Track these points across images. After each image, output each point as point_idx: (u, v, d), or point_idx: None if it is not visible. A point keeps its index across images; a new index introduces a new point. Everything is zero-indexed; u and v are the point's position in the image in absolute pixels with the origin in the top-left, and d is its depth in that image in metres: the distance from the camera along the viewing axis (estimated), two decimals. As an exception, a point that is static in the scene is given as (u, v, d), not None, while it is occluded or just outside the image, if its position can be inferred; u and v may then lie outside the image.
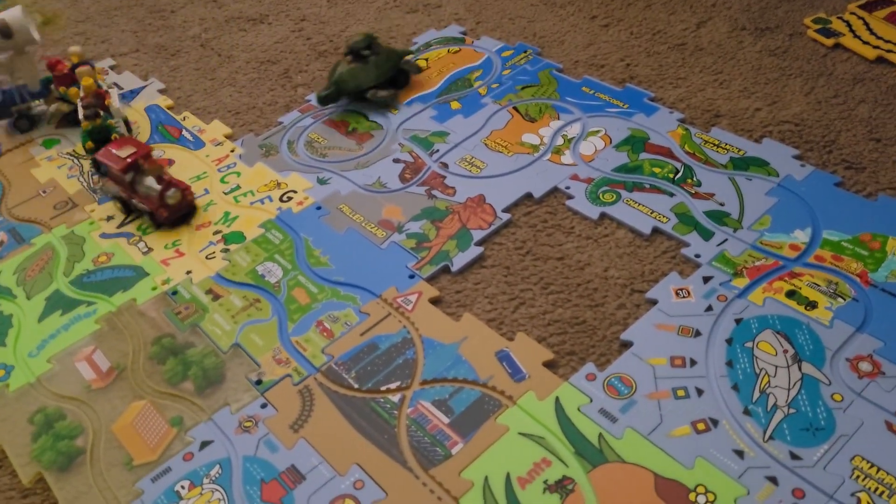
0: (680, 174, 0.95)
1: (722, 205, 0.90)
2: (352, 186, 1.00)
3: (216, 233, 0.96)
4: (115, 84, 1.27)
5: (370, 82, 1.11)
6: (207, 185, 1.04)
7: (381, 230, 0.93)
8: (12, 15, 1.09)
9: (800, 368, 0.72)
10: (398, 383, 0.76)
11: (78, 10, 1.54)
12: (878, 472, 0.63)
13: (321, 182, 1.02)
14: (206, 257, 0.92)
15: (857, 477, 0.63)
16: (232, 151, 1.09)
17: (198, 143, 1.12)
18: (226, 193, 1.02)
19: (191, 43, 1.39)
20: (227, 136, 1.13)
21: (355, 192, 1.00)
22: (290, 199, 0.99)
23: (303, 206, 0.98)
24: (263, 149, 1.09)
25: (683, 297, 0.80)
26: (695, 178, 0.94)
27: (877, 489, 0.62)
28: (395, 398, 0.75)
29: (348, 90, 1.12)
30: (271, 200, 1.00)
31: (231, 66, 1.31)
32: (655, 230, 0.88)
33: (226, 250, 0.93)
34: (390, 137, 1.08)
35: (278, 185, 1.02)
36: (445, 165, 1.02)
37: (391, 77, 1.14)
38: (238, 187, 1.02)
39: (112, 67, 1.32)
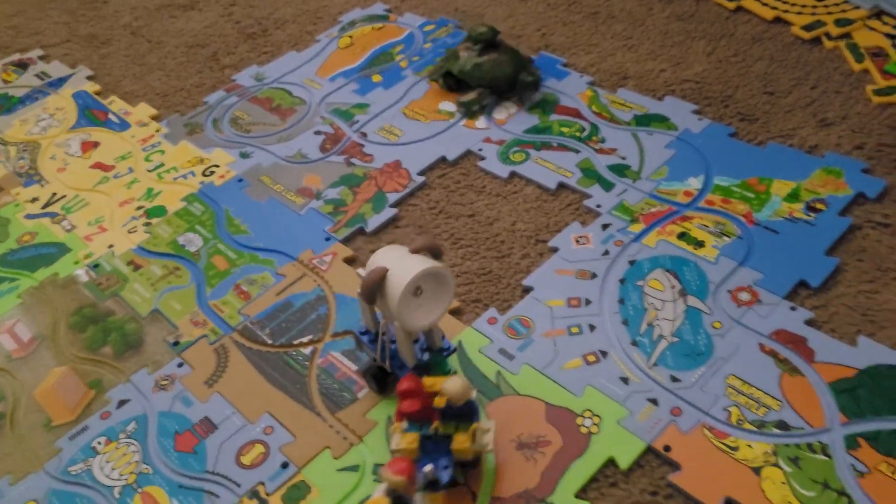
0: (586, 132, 0.99)
1: (623, 158, 0.94)
2: (273, 159, 1.03)
3: (139, 208, 0.98)
4: (43, 73, 1.29)
5: (507, 75, 1.04)
6: (132, 164, 1.06)
7: (300, 198, 0.96)
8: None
9: (685, 301, 0.76)
10: (310, 337, 0.79)
11: (11, 4, 1.55)
12: (749, 388, 0.68)
13: (243, 156, 1.05)
14: (129, 231, 0.95)
15: (730, 394, 0.68)
16: (157, 131, 1.11)
17: (123, 125, 1.14)
18: (149, 171, 1.04)
19: (122, 31, 1.41)
20: (154, 118, 1.15)
21: (277, 164, 1.02)
22: (212, 173, 1.02)
23: (225, 179, 1.01)
24: (188, 127, 1.12)
25: (583, 243, 0.84)
26: (600, 136, 0.98)
27: (746, 403, 0.67)
28: (307, 350, 0.78)
29: (476, 79, 1.04)
30: (194, 175, 1.02)
31: (160, 52, 1.33)
32: (561, 185, 0.92)
33: (147, 224, 0.96)
34: (313, 111, 1.11)
35: (201, 160, 1.04)
36: (364, 135, 1.05)
37: (513, 80, 1.05)
38: (162, 165, 1.05)
39: (41, 58, 1.34)
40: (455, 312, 0.80)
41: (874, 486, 0.60)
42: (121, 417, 0.74)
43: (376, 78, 1.15)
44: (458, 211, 0.92)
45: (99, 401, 0.76)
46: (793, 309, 0.74)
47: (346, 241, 0.90)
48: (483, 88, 1.04)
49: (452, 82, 1.08)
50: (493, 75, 1.04)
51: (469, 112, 1.04)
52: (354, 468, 0.67)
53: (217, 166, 1.03)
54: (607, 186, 0.90)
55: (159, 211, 0.97)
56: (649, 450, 0.65)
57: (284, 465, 0.68)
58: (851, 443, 0.63)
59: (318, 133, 1.07)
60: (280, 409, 0.73)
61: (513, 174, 0.95)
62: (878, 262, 0.77)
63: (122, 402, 0.75)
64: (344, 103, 1.11)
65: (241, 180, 1.00)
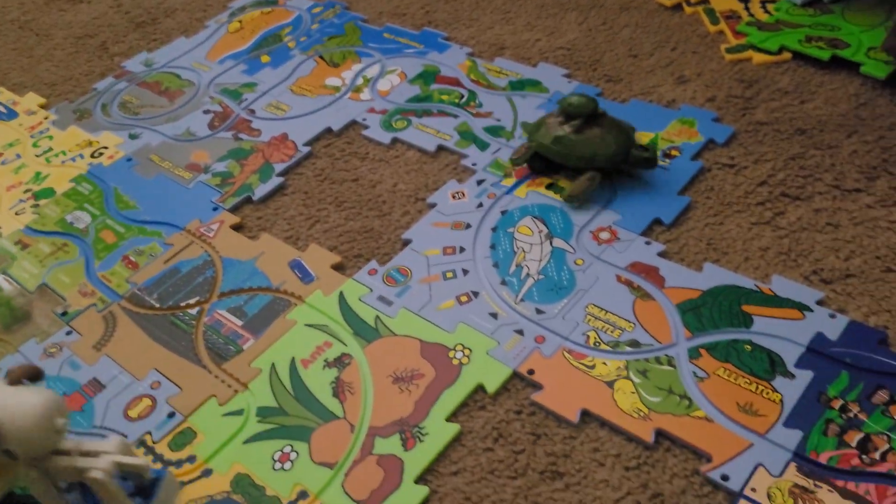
0: (465, 99, 1.04)
1: (498, 120, 0.99)
2: (162, 138, 1.05)
3: (27, 191, 0.99)
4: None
5: (609, 155, 0.84)
6: (20, 151, 1.06)
7: (188, 173, 0.99)
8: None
9: (551, 243, 0.82)
10: (198, 298, 0.82)
11: None
12: (606, 314, 0.74)
13: (132, 137, 1.06)
14: (16, 213, 0.95)
15: (589, 320, 0.73)
16: (46, 119, 1.12)
17: (11, 115, 1.14)
18: (38, 156, 1.05)
19: (9, 26, 1.40)
20: (42, 106, 1.15)
21: (165, 142, 1.04)
22: (101, 154, 1.03)
23: (113, 159, 1.02)
24: (77, 113, 1.12)
25: (459, 198, 0.89)
26: (477, 101, 1.03)
27: (603, 327, 0.73)
28: (194, 311, 0.80)
29: (575, 161, 0.86)
30: (83, 157, 1.03)
31: (49, 44, 1.32)
32: (440, 147, 0.97)
33: (35, 206, 0.96)
34: (202, 92, 1.13)
35: (90, 143, 1.05)
36: (253, 111, 1.08)
37: (623, 158, 0.86)
38: (50, 149, 1.05)
39: (-76, 54, 1.32)
40: (338, 268, 0.83)
41: (711, 387, 0.66)
42: (8, 385, 0.75)
43: (265, 59, 1.18)
44: (343, 176, 0.96)
45: (-14, 373, 0.78)
46: (647, 243, 0.80)
47: (234, 209, 0.93)
48: (595, 173, 0.85)
49: (541, 164, 0.90)
50: (595, 154, 0.84)
51: (578, 204, 0.85)
52: (239, 412, 0.70)
53: (106, 148, 1.04)
54: (483, 146, 0.96)
55: (47, 193, 0.98)
56: (515, 374, 0.71)
57: (171, 415, 0.71)
58: (694, 353, 0.69)
59: (206, 112, 1.09)
60: (167, 365, 0.75)
61: (395, 140, 1.00)
62: (723, 198, 0.84)
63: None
64: (233, 83, 1.14)
65: (129, 160, 1.02)
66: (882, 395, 0.64)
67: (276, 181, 0.95)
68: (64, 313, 0.82)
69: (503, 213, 0.86)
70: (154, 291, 0.83)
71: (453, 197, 0.89)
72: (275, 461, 0.66)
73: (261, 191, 0.94)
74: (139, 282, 0.84)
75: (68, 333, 0.80)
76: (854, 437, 0.61)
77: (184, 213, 0.92)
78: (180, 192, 0.96)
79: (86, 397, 0.73)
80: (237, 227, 0.90)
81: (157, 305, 0.81)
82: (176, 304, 0.81)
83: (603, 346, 0.71)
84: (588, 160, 0.85)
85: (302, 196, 0.94)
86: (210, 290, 0.82)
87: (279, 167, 0.97)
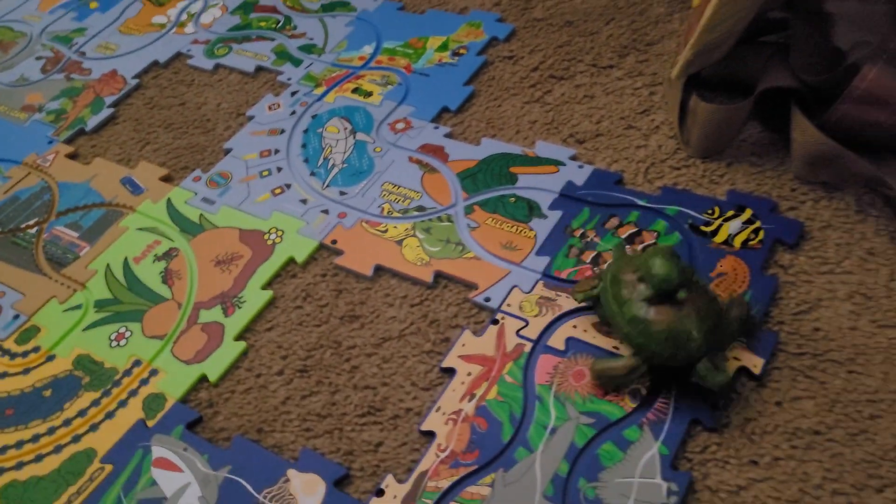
0: (281, 23, 1.13)
1: (311, 39, 1.09)
2: (-4, 86, 1.11)
3: None
4: None
5: (698, 345, 0.61)
6: None
7: (23, 113, 1.05)
8: None
9: (354, 137, 0.93)
10: (37, 219, 0.90)
11: None
12: (398, 188, 0.86)
13: (-35, 88, 1.11)
14: None
15: (384, 195, 0.85)
16: None
17: None
18: None
19: None
20: None
21: (0, 89, 1.10)
22: (-65, 106, 1.08)
23: (-52, 109, 1.07)
24: None
25: (275, 109, 0.99)
26: (292, 24, 1.12)
27: (395, 199, 0.84)
28: (34, 230, 0.88)
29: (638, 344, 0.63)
30: (-83, 110, 1.08)
31: None
32: (259, 68, 1.06)
33: None
34: (34, 41, 1.18)
35: (-77, 96, 1.10)
36: (83, 53, 1.14)
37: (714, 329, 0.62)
38: None
39: None
40: (166, 179, 0.92)
41: (480, 234, 0.79)
42: None
43: (93, 5, 1.23)
44: (170, 102, 1.04)
45: None
46: (436, 128, 0.92)
47: (68, 141, 1.00)
48: (639, 359, 0.63)
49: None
50: (665, 341, 0.61)
51: (611, 387, 0.65)
52: (78, 307, 0.79)
53: (-61, 100, 1.09)
54: (297, 63, 1.05)
55: None
56: (321, 246, 0.82)
57: (16, 317, 0.79)
58: (469, 210, 0.82)
59: (38, 58, 1.14)
60: (10, 277, 0.84)
61: (217, 66, 1.08)
62: (501, 84, 0.97)
63: None
64: (63, 30, 1.19)
65: (-36, 108, 1.07)
66: (613, 221, 0.78)
67: (107, 112, 1.03)
68: None
69: (313, 116, 0.96)
70: (-5, 219, 0.91)
71: (269, 108, 0.99)
72: (111, 341, 0.76)
73: (93, 122, 1.01)
74: (-20, 213, 0.92)
75: (-85, 263, 0.87)
76: (589, 256, 0.76)
77: (21, 148, 0.99)
78: (17, 130, 1.02)
79: (-64, 313, 0.81)
80: (72, 156, 0.98)
81: (0, 230, 0.89)
82: (17, 226, 0.89)
83: (395, 214, 0.83)
84: (654, 355, 0.62)
85: (133, 123, 1.02)
86: (48, 211, 0.90)
87: (110, 100, 1.04)
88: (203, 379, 0.72)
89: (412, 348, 0.72)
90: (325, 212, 0.85)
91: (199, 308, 0.77)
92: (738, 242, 0.74)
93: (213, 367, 0.72)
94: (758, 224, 0.75)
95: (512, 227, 0.80)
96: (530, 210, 0.81)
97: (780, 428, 0.61)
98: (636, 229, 0.77)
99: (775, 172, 0.80)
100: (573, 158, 0.85)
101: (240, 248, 0.82)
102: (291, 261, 0.81)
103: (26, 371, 0.74)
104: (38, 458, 0.67)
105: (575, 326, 0.70)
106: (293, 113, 0.97)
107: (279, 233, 0.83)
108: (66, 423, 0.69)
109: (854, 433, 0.60)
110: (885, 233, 0.73)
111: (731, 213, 0.76)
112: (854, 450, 0.59)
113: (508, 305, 0.73)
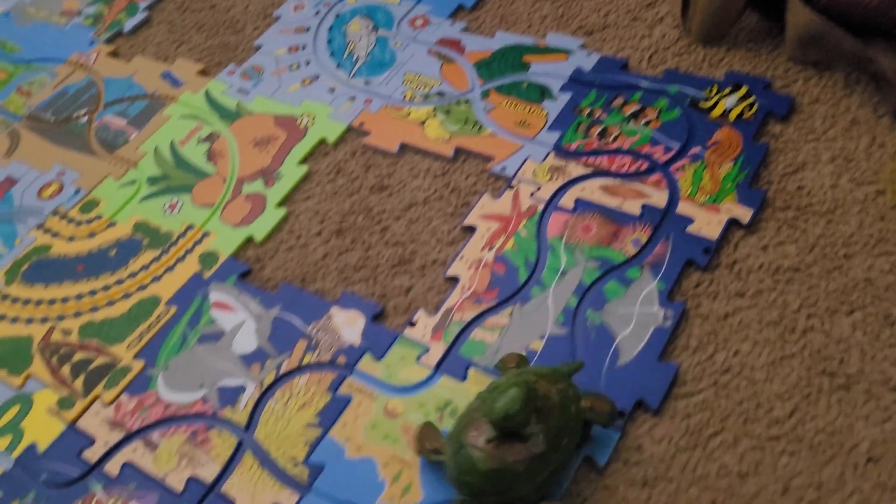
0: (303, -68, 1.18)
1: (332, -54, 1.15)
2: (35, -6, 1.17)
3: (-84, 49, 1.10)
4: None
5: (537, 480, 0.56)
6: None
7: (63, 18, 1.11)
8: None
9: (376, 33, 0.99)
10: (86, 109, 0.97)
11: None
12: (419, 77, 0.93)
13: (7, -4, 1.17)
14: (-90, 67, 1.07)
15: (406, 83, 0.92)
16: (-80, -10, 1.21)
17: None
18: (-80, 21, 1.15)
19: None
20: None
21: (38, -3, 1.17)
22: (-21, 13, 1.15)
23: (-9, 15, 1.14)
24: (-50, -18, 1.22)
25: (300, 10, 1.05)
26: (314, -67, 1.18)
27: (417, 86, 0.92)
28: (84, 120, 0.96)
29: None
30: (-37, 17, 1.15)
31: None
32: (284, -26, 1.12)
33: (-73, 59, 1.08)
34: (66, -47, 1.24)
35: (-33, 5, 1.16)
36: (115, -37, 1.20)
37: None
38: (-70, 14, 1.16)
39: None
40: (202, 73, 1.00)
41: (496, 114, 0.87)
42: (-67, 191, 0.91)
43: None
44: (200, 6, 1.10)
45: (-88, 187, 0.92)
46: (452, 24, 0.98)
47: (108, 41, 1.07)
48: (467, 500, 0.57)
49: None
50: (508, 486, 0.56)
51: None
52: (132, 182, 0.88)
53: (-18, 7, 1.15)
54: (320, -33, 1.11)
55: (-65, 48, 1.10)
56: (349, 129, 0.89)
57: (77, 192, 0.87)
58: (485, 94, 0.89)
59: (74, -31, 1.20)
60: (68, 159, 0.92)
61: (245, -28, 1.14)
62: (514, -17, 1.03)
63: (-70, 183, 0.92)
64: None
65: (7, 14, 1.14)
66: (619, 101, 0.85)
67: (141, 15, 1.09)
68: (-29, 135, 0.96)
69: (337, 16, 1.03)
70: (48, 110, 0.98)
71: (294, 9, 1.05)
72: (165, 210, 0.84)
73: (129, 24, 1.08)
74: (34, 105, 0.99)
75: (-22, 149, 0.95)
76: (596, 131, 0.83)
77: (64, 48, 1.06)
78: (59, 33, 1.09)
79: (3, 190, 0.89)
80: (113, 55, 1.05)
81: (53, 119, 0.96)
82: (68, 116, 0.97)
83: (416, 100, 0.90)
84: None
85: (167, 25, 1.08)
86: (96, 102, 0.98)
87: (143, 4, 1.11)
88: (249, 240, 0.80)
89: (436, 212, 0.80)
90: (352, 99, 0.92)
91: (242, 181, 0.85)
92: (733, 116, 0.81)
93: (259, 229, 0.80)
94: (752, 99, 0.82)
95: (525, 107, 0.87)
96: (542, 93, 0.88)
97: (763, 267, 0.70)
98: (640, 107, 0.84)
99: (770, 56, 0.87)
100: (582, 47, 0.92)
101: (275, 132, 0.90)
102: (323, 141, 0.88)
103: (91, 235, 0.82)
104: (110, 303, 0.76)
105: (583, 189, 0.78)
106: (317, 13, 1.04)
107: (311, 117, 0.91)
108: (132, 275, 0.78)
109: (829, 269, 0.69)
110: (869, 105, 0.80)
111: (727, 90, 0.83)
112: (829, 282, 0.68)
113: (523, 173, 0.80)
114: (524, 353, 0.66)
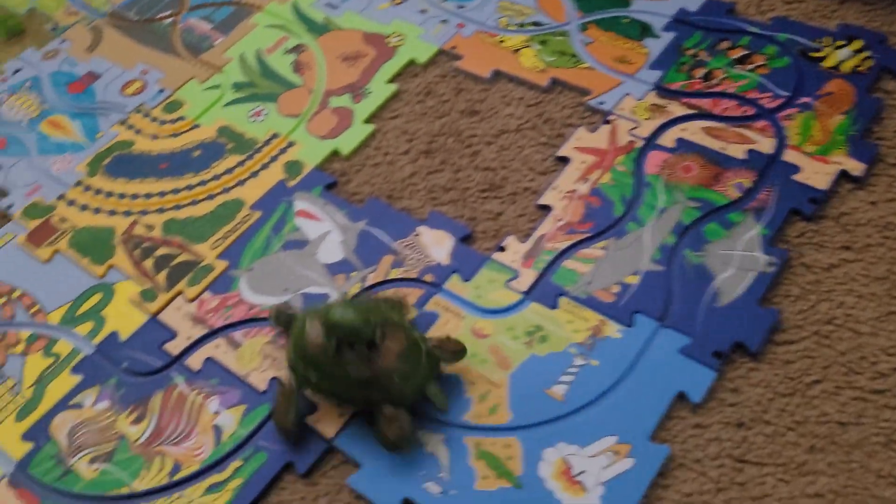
0: None
1: None
2: None
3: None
4: None
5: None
6: None
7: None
8: None
9: (471, -42, 0.96)
10: (171, 10, 0.95)
11: None
12: (514, 5, 0.90)
13: None
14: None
15: (501, 11, 0.89)
16: None
17: None
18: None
19: None
20: None
21: None
22: None
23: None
24: None
25: (392, -71, 1.02)
26: None
27: (512, 14, 0.89)
28: (168, 21, 0.94)
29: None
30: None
31: None
32: None
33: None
34: None
35: None
36: None
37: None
38: None
39: None
40: (290, -15, 0.98)
41: (595, 48, 0.84)
42: (18, 79, 0.89)
43: None
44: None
45: (-6, 74, 0.91)
46: (551, -46, 0.95)
47: (194, -53, 1.05)
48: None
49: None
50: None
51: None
52: (217, 86, 0.86)
53: None
54: None
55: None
56: (440, 52, 0.87)
57: (160, 91, 0.86)
58: (583, 27, 0.86)
59: None
60: (151, 58, 0.90)
61: None
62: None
63: (15, 71, 0.90)
64: None
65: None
66: (724, 44, 0.82)
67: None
68: (55, 28, 0.95)
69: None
70: (131, 9, 0.96)
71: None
72: (250, 116, 0.83)
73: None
74: (117, 2, 0.97)
75: (62, 42, 0.93)
76: (700, 72, 0.80)
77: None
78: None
79: (86, 84, 0.88)
80: (198, -39, 1.03)
81: (136, 18, 0.95)
82: (152, 17, 0.95)
83: (511, 27, 0.88)
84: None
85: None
86: (180, 5, 0.96)
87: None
88: (335, 153, 0.79)
89: (528, 140, 0.78)
90: (444, 21, 0.89)
91: (329, 95, 0.83)
92: (846, 68, 0.77)
93: (345, 143, 0.79)
94: (867, 53, 0.78)
95: (625, 43, 0.84)
96: (644, 30, 0.85)
97: (873, 222, 0.67)
98: (746, 52, 0.80)
99: (885, 11, 0.83)
100: (687, -13, 0.89)
101: (363, 48, 0.88)
102: (412, 62, 0.86)
103: (175, 135, 0.81)
104: (194, 203, 0.75)
105: (684, 129, 0.75)
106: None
107: (401, 37, 0.88)
108: (216, 177, 0.77)
109: (943, 230, 0.66)
110: None
111: (841, 42, 0.80)
112: (942, 243, 0.65)
113: (621, 109, 0.78)
114: (617, 286, 0.65)
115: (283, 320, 0.63)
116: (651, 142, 0.75)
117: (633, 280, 0.65)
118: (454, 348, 0.60)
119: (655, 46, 0.83)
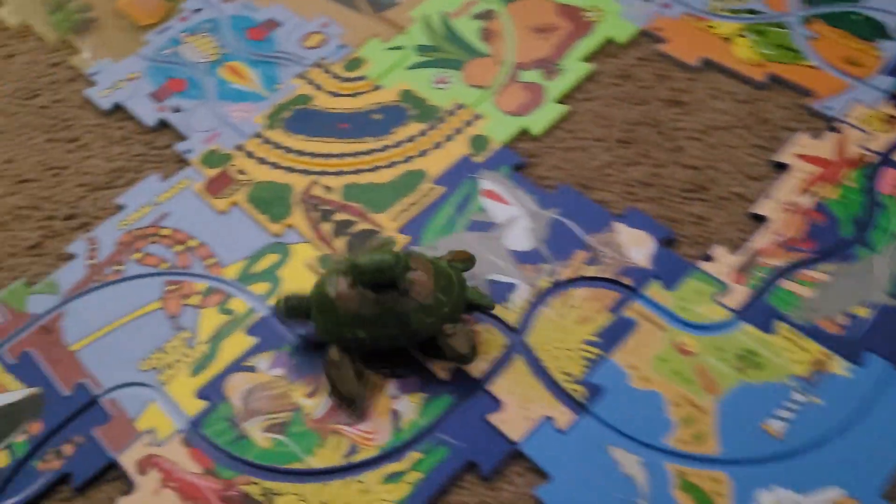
0: None
1: None
2: None
3: None
4: None
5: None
6: None
7: None
8: None
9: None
10: (353, -36, 0.92)
11: None
12: (728, -12, 0.82)
13: None
14: None
15: (712, -8, 0.82)
16: None
17: None
18: None
19: None
20: None
21: None
22: None
23: None
24: None
25: None
26: None
27: (725, -4, 0.81)
28: (352, -26, 0.91)
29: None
30: None
31: None
32: None
33: None
34: None
35: None
36: None
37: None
38: None
39: None
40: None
41: (820, 45, 0.75)
42: (197, 20, 0.87)
43: None
44: None
45: (175, 11, 0.89)
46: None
47: None
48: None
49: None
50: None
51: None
52: (400, 48, 0.82)
53: None
54: None
55: None
56: (642, 33, 0.80)
57: (341, 47, 0.83)
58: (806, 20, 0.78)
59: None
60: (332, 11, 0.86)
61: None
62: None
63: (196, 10, 0.88)
64: None
65: None
66: (974, 55, 0.72)
67: None
68: (236, -29, 0.92)
69: None
70: (314, -42, 0.93)
71: None
72: (433, 82, 0.78)
73: None
74: (299, -50, 0.94)
75: (242, -14, 0.91)
76: (943, 84, 0.71)
77: None
78: None
79: (266, 31, 0.85)
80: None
81: None
82: None
83: (723, 13, 0.80)
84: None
85: None
86: (364, -42, 0.92)
87: None
88: (524, 132, 0.73)
89: (740, 140, 0.71)
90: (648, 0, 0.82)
91: (518, 68, 0.78)
92: None
93: (536, 122, 0.73)
94: None
95: (855, 43, 0.75)
96: (876, 29, 0.76)
97: None
98: None
99: None
100: (930, -14, 0.79)
101: (557, 21, 0.82)
102: (611, 41, 0.80)
103: (355, 94, 0.78)
104: (374, 169, 0.71)
105: (926, 147, 0.67)
106: None
107: (598, 12, 0.82)
108: (397, 144, 0.73)
109: None
110: None
111: None
112: None
113: (849, 116, 0.70)
114: (844, 317, 0.57)
115: (304, 307, 0.59)
116: (887, 157, 0.66)
117: (864, 313, 0.58)
118: (464, 257, 0.61)
119: (891, 49, 0.74)
